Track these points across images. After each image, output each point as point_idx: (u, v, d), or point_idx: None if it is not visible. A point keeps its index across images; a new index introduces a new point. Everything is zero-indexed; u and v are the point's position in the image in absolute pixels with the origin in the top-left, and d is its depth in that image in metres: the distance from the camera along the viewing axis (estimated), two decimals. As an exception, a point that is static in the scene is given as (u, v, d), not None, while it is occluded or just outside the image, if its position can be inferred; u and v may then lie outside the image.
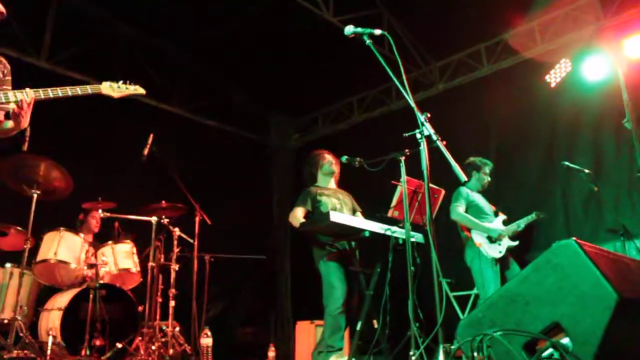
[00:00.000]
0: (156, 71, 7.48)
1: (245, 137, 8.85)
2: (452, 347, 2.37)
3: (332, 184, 5.45)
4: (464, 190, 5.61)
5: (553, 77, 6.19)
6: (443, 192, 5.29)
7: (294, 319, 7.49)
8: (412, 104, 2.88)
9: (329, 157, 5.45)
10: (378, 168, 4.51)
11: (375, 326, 4.70)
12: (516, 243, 5.42)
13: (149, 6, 6.78)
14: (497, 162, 6.36)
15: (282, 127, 9.36)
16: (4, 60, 3.25)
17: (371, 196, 5.87)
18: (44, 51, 6.65)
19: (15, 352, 4.18)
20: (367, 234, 4.75)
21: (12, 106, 2.99)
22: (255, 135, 9.05)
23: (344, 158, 4.82)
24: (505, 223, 5.55)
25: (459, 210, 5.50)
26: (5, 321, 4.69)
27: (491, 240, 5.38)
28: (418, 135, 2.93)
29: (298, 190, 5.61)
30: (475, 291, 5.63)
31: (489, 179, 5.78)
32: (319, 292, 5.06)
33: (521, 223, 5.50)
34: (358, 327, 4.72)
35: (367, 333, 4.79)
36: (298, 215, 5.08)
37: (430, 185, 2.96)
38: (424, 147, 2.91)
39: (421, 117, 2.89)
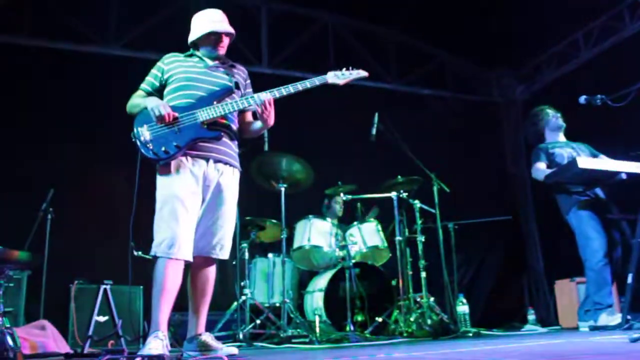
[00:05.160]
0: (368, 52, 7.63)
1: (466, 99, 8.58)
2: None
3: (561, 137, 5.08)
4: None
5: None
6: None
7: (550, 279, 7.09)
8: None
9: (552, 112, 5.09)
10: (624, 102, 4.06)
11: (650, 277, 4.27)
12: None
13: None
14: None
15: (504, 82, 8.85)
16: (242, 68, 3.60)
17: (619, 135, 5.33)
18: (264, 57, 7.19)
19: (290, 331, 4.62)
20: (623, 176, 4.34)
21: (253, 108, 3.27)
22: (477, 96, 8.72)
23: (583, 98, 4.40)
24: None
25: None
26: (277, 304, 5.23)
27: None
28: (674, 54, 2.53)
29: (530, 145, 5.30)
30: None
31: None
32: (574, 247, 4.73)
33: None
34: (629, 280, 4.31)
35: (640, 287, 4.36)
36: (541, 168, 4.82)
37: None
38: (684, 66, 2.50)
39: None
